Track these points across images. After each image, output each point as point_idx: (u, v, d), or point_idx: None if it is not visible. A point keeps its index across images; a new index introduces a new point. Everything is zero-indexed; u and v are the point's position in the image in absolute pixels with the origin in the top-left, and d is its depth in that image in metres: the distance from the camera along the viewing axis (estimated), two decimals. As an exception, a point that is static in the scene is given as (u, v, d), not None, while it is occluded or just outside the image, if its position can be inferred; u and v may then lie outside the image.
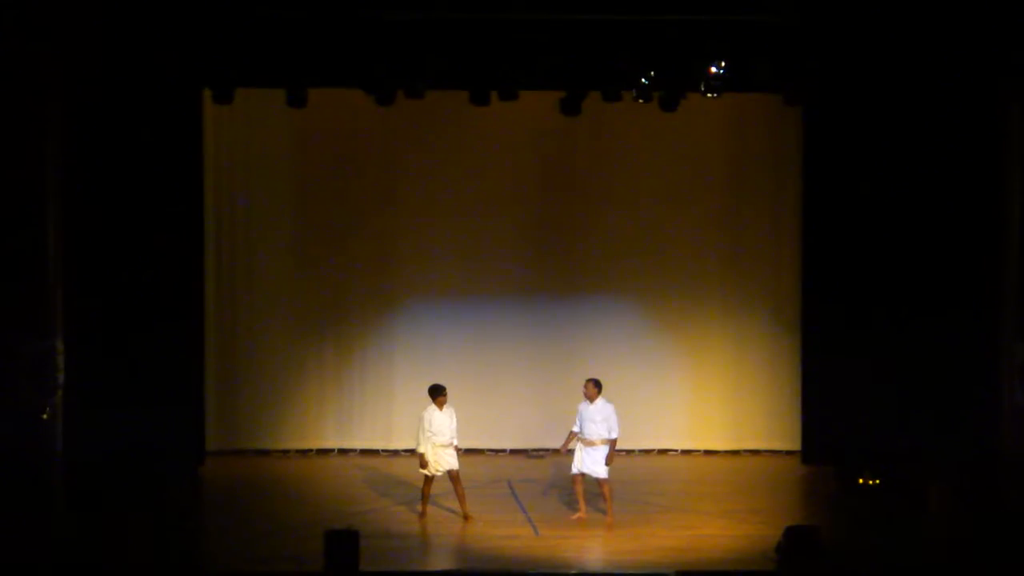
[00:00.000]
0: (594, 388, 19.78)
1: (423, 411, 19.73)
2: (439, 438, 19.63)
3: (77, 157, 19.47)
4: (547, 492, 21.67)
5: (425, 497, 19.92)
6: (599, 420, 19.58)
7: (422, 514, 19.90)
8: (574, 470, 19.82)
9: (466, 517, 19.76)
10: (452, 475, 19.75)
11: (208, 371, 23.58)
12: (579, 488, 19.84)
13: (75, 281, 19.47)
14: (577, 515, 19.79)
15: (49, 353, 17.96)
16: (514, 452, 24.52)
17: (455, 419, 19.75)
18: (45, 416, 17.83)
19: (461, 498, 19.83)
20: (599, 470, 19.59)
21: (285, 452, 24.38)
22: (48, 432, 17.97)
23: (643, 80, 21.09)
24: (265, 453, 24.31)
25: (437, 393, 19.73)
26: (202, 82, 21.76)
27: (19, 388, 17.62)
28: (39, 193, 18.02)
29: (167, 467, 21.67)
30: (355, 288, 24.48)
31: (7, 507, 17.33)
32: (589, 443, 19.64)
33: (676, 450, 24.49)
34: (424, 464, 19.68)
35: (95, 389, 20.48)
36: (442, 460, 19.69)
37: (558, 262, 24.56)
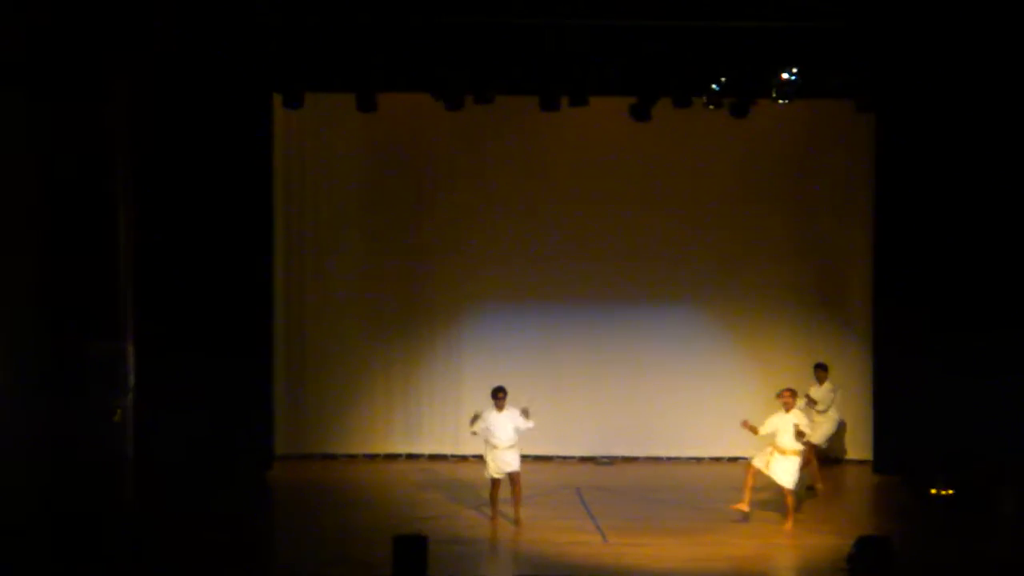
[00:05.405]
0: (791, 397, 19.86)
1: (483, 410, 19.77)
2: (496, 440, 19.61)
3: (148, 162, 19.58)
4: (616, 499, 21.61)
5: (493, 501, 19.91)
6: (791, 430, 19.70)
7: (492, 518, 19.90)
8: (756, 462, 19.96)
9: (516, 521, 19.73)
10: (512, 477, 19.71)
11: (277, 375, 23.64)
12: (749, 480, 19.92)
13: (145, 284, 19.57)
14: (739, 505, 19.91)
15: (120, 355, 18.06)
16: (583, 459, 24.43)
17: (519, 419, 19.67)
18: (116, 419, 17.93)
19: (516, 501, 19.79)
20: (785, 479, 19.67)
21: (353, 457, 24.41)
22: (118, 435, 18.07)
23: (714, 86, 21.02)
24: (333, 457, 24.34)
25: (493, 395, 19.70)
26: (272, 87, 21.85)
27: (90, 390, 17.71)
28: (110, 197, 18.12)
29: (236, 470, 21.77)
30: (423, 293, 24.48)
31: (79, 509, 17.43)
32: (782, 451, 19.68)
33: (746, 458, 24.24)
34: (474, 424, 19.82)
35: (164, 392, 20.56)
36: (501, 462, 19.66)
37: (628, 267, 24.47)
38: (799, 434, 19.55)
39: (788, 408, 19.76)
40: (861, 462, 23.99)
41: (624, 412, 24.33)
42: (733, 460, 24.11)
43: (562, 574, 17.24)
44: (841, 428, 23.28)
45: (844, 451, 24.05)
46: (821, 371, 21.92)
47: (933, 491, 21.33)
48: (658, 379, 24.37)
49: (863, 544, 16.44)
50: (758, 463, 19.88)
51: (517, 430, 19.62)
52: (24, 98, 17.55)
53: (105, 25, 17.86)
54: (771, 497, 20.73)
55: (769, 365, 24.34)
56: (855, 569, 16.43)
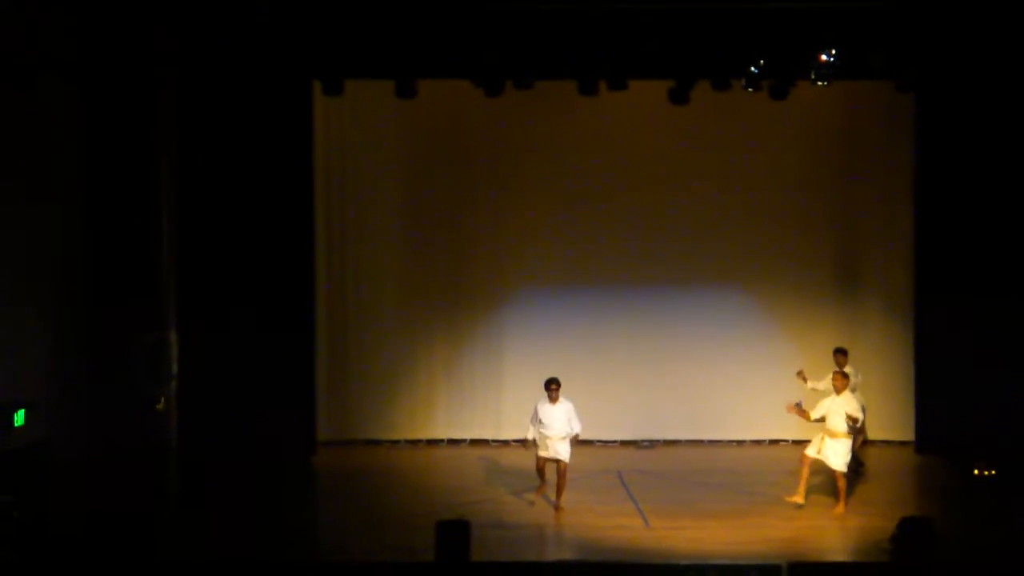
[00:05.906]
0: (841, 380, 19.82)
1: (537, 403, 19.79)
2: (548, 431, 19.63)
3: (188, 151, 19.67)
4: (658, 483, 21.62)
5: (540, 474, 19.93)
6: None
7: (538, 488, 19.99)
8: (810, 452, 19.87)
9: (557, 507, 19.77)
10: (560, 466, 19.74)
11: (319, 362, 23.71)
12: (805, 472, 19.85)
13: (187, 274, 19.68)
14: (793, 497, 19.82)
15: (163, 344, 18.18)
16: (624, 443, 24.42)
17: (572, 414, 19.70)
18: (159, 407, 18.06)
19: (559, 489, 19.78)
20: (836, 461, 19.62)
21: (395, 442, 24.46)
22: (162, 422, 18.20)
23: (752, 68, 20.94)
24: (376, 443, 24.39)
25: (546, 386, 19.74)
26: (312, 74, 21.88)
27: (135, 380, 17.86)
28: (152, 187, 18.26)
29: (279, 457, 21.87)
30: (464, 279, 24.51)
31: (124, 497, 17.57)
32: (832, 435, 19.64)
33: (787, 440, 24.26)
34: (527, 445, 19.86)
35: (208, 380, 20.69)
36: (551, 449, 19.68)
37: (668, 252, 24.43)
38: (852, 420, 19.51)
39: (839, 391, 19.70)
40: (903, 443, 23.91)
41: (665, 396, 24.31)
42: (775, 443, 24.12)
43: (604, 558, 17.26)
44: (864, 411, 23.07)
45: (866, 434, 23.88)
46: (841, 355, 21.66)
47: (976, 471, 21.28)
48: (700, 362, 24.34)
49: (906, 525, 16.47)
50: (811, 452, 19.80)
51: (569, 423, 19.69)
52: (74, 95, 17.75)
53: (147, 15, 18.00)
54: (819, 482, 20.72)
55: (810, 348, 24.21)
56: (898, 550, 16.44)
